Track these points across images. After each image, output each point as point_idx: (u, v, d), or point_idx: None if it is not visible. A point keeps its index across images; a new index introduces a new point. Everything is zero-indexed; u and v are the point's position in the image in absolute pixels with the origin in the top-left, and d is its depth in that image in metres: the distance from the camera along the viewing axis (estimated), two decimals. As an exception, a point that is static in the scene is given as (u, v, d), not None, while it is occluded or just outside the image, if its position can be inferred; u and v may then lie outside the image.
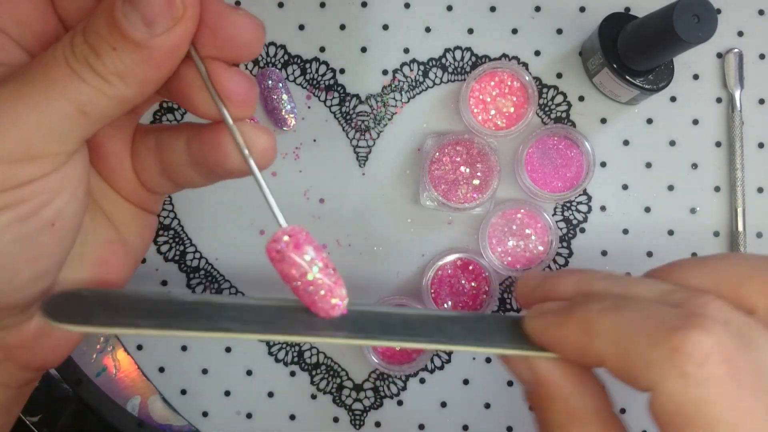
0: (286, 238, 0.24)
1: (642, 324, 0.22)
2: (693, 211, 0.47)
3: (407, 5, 0.47)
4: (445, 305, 0.45)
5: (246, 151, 0.24)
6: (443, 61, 0.47)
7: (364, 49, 0.47)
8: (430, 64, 0.47)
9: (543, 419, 0.26)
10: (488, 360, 0.47)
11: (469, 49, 0.47)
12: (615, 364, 0.23)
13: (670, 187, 0.47)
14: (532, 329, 0.26)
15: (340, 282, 0.25)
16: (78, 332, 0.27)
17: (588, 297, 0.25)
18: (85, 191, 0.25)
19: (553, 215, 0.47)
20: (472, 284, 0.45)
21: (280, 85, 0.46)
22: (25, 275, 0.24)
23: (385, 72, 0.47)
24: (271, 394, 0.47)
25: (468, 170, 0.45)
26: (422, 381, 0.47)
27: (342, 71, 0.47)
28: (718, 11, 0.47)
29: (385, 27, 0.47)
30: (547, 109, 0.47)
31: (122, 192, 0.28)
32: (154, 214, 0.30)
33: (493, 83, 0.45)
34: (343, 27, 0.47)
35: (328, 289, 0.25)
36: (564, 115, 0.47)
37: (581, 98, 0.47)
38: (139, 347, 0.46)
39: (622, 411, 0.47)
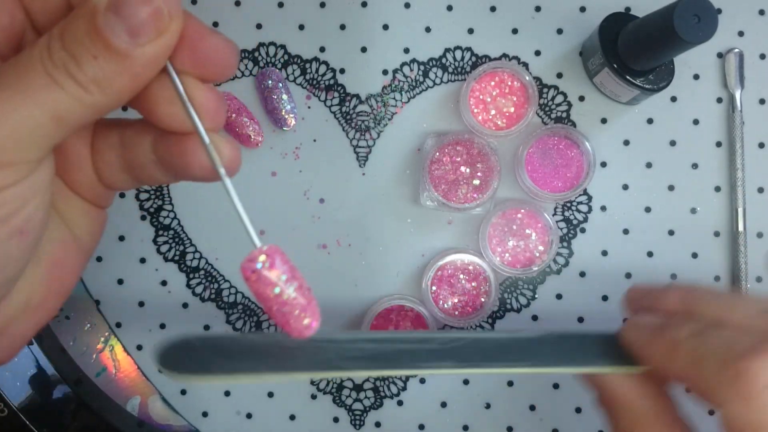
0: (262, 257, 0.24)
1: (717, 349, 0.25)
2: (693, 211, 0.47)
3: (407, 5, 0.47)
4: (446, 305, 0.45)
5: (221, 168, 0.25)
6: (443, 61, 0.47)
7: (364, 49, 0.47)
8: (430, 64, 0.47)
9: (611, 421, 0.29)
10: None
11: (469, 49, 0.47)
12: (690, 383, 0.26)
13: (670, 187, 0.47)
14: (625, 340, 0.29)
15: (313, 303, 0.25)
16: (29, 331, 0.27)
17: (682, 319, 0.28)
18: (51, 196, 0.25)
19: (553, 215, 0.47)
20: (472, 284, 0.45)
21: (280, 85, 0.46)
22: None
23: (385, 72, 0.47)
24: (271, 394, 0.47)
25: (468, 170, 0.45)
26: (422, 381, 0.47)
27: (342, 71, 0.47)
28: (719, 11, 0.47)
29: (385, 27, 0.47)
30: (547, 109, 0.47)
31: (78, 189, 0.28)
32: (105, 209, 0.30)
33: (493, 83, 0.45)
34: (343, 27, 0.47)
35: (302, 309, 0.25)
36: (564, 115, 0.47)
37: (581, 98, 0.47)
38: (139, 347, 0.46)
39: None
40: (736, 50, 0.47)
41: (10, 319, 0.26)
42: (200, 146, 0.24)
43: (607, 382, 0.29)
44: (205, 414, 0.46)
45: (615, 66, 0.43)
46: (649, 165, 0.47)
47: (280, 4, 0.47)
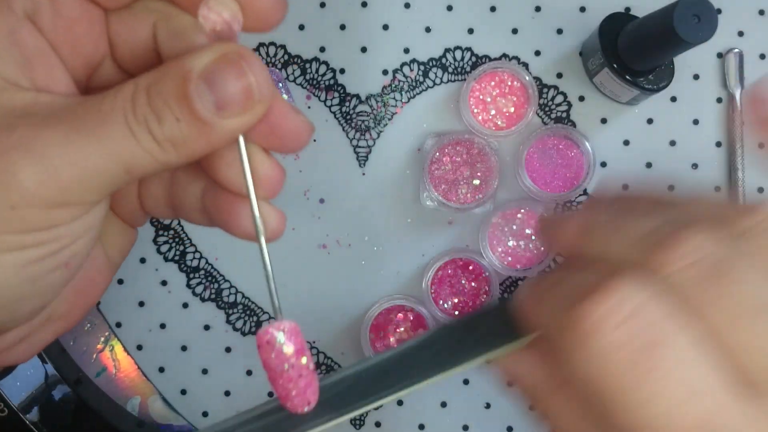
0: (279, 332, 0.25)
1: (567, 295, 0.21)
2: (693, 211, 0.47)
3: (407, 5, 0.47)
4: (446, 305, 0.45)
5: (262, 239, 0.25)
6: (443, 61, 0.47)
7: (364, 49, 0.47)
8: (430, 64, 0.47)
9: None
10: (488, 360, 0.47)
11: (469, 49, 0.47)
12: (552, 338, 0.21)
13: (671, 187, 0.47)
14: (515, 305, 0.25)
15: (315, 382, 0.26)
16: (48, 338, 0.28)
17: (559, 267, 0.24)
18: (100, 231, 0.25)
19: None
20: (472, 284, 0.45)
21: (280, 85, 0.46)
22: (28, 308, 0.24)
23: (385, 72, 0.47)
24: (271, 394, 0.47)
25: (468, 170, 0.45)
26: (422, 381, 0.47)
27: (342, 71, 0.47)
28: (718, 11, 0.47)
29: (385, 27, 0.47)
30: (547, 109, 0.47)
31: (118, 212, 0.28)
32: (137, 228, 0.30)
33: (493, 83, 0.45)
34: (343, 27, 0.47)
35: (304, 388, 0.26)
36: (564, 115, 0.47)
37: (581, 98, 0.47)
38: (139, 347, 0.46)
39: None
40: (736, 50, 0.47)
41: (34, 328, 0.27)
42: (248, 212, 0.25)
43: (499, 361, 0.26)
44: (205, 414, 0.46)
45: (615, 66, 0.43)
46: (649, 165, 0.47)
47: (280, 4, 0.47)
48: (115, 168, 0.22)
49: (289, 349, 0.25)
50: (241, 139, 0.23)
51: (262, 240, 0.25)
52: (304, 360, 0.25)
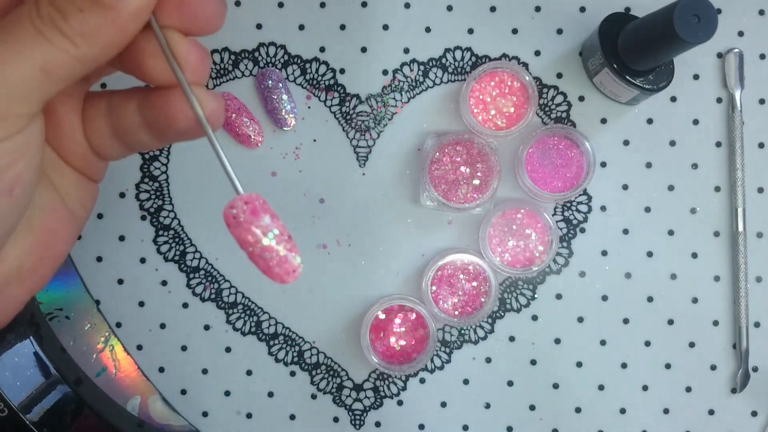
0: (243, 204, 0.25)
1: None
2: (693, 211, 0.47)
3: (407, 5, 0.47)
4: (446, 305, 0.45)
5: (202, 116, 0.25)
6: (443, 61, 0.47)
7: (364, 49, 0.47)
8: (430, 64, 0.47)
9: None
10: (488, 360, 0.47)
11: (469, 49, 0.47)
12: None
13: (670, 187, 0.47)
14: None
15: (295, 249, 0.26)
16: (23, 296, 0.28)
17: None
18: (41, 158, 0.26)
19: (553, 215, 0.47)
20: (472, 284, 0.45)
21: (280, 85, 0.46)
22: None
23: (385, 72, 0.47)
24: (271, 394, 0.47)
25: (468, 170, 0.45)
26: (422, 381, 0.47)
27: (342, 71, 0.47)
28: (719, 11, 0.47)
29: (385, 27, 0.47)
30: (547, 109, 0.47)
31: (70, 159, 0.29)
32: (97, 183, 0.30)
33: (493, 83, 0.45)
34: (343, 27, 0.47)
35: (283, 256, 0.25)
36: (564, 115, 0.47)
37: (581, 98, 0.47)
38: (139, 347, 0.46)
39: (622, 411, 0.47)
40: (736, 50, 0.47)
41: (3, 283, 0.27)
42: (184, 98, 0.25)
43: None
44: (205, 414, 0.46)
45: (615, 66, 0.43)
46: (649, 165, 0.47)
47: (280, 4, 0.47)
48: (34, 71, 0.22)
49: (254, 218, 0.24)
50: (153, 20, 0.24)
51: (201, 114, 0.25)
52: (275, 229, 0.25)
